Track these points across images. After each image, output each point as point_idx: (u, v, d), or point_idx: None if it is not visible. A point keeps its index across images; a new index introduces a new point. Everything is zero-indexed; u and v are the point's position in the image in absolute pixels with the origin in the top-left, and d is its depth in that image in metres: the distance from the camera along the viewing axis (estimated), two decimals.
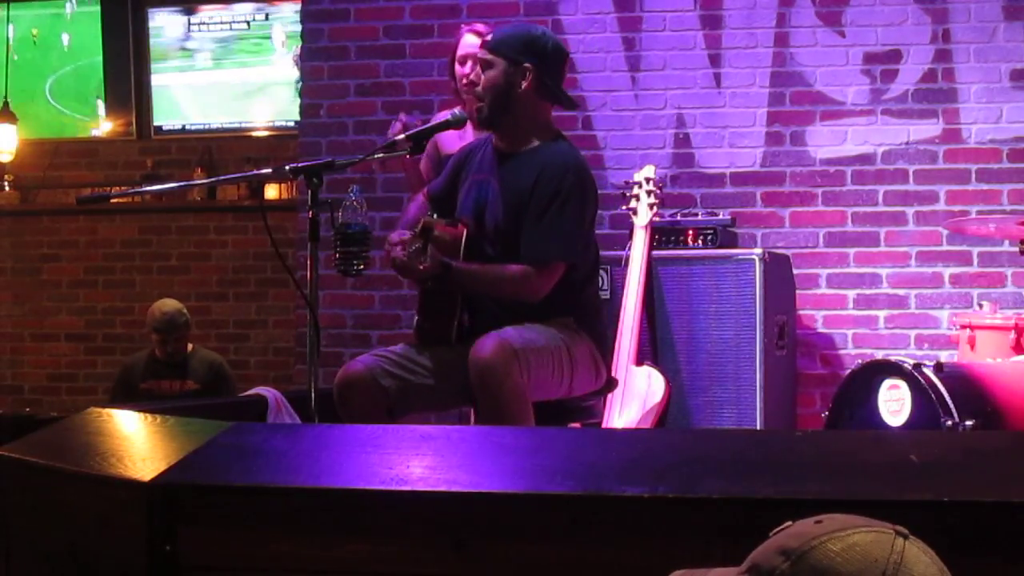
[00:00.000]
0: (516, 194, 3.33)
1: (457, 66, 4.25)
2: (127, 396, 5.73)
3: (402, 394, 3.29)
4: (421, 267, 3.23)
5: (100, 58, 6.99)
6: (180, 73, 6.98)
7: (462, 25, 4.50)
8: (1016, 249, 4.37)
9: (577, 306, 3.38)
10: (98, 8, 6.99)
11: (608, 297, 4.73)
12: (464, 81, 4.09)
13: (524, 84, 3.34)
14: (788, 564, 1.15)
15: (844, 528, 1.17)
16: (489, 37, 3.51)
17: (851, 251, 5.25)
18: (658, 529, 1.95)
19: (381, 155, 3.75)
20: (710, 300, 4.74)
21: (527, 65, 3.34)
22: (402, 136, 3.44)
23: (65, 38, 7.09)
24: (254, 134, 6.94)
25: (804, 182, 5.30)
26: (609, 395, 4.11)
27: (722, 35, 5.38)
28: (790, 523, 1.20)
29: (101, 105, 7.07)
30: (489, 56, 3.38)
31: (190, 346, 5.93)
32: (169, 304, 5.89)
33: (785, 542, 1.17)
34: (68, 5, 7.07)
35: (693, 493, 1.98)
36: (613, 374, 3.61)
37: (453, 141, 4.12)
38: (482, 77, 3.39)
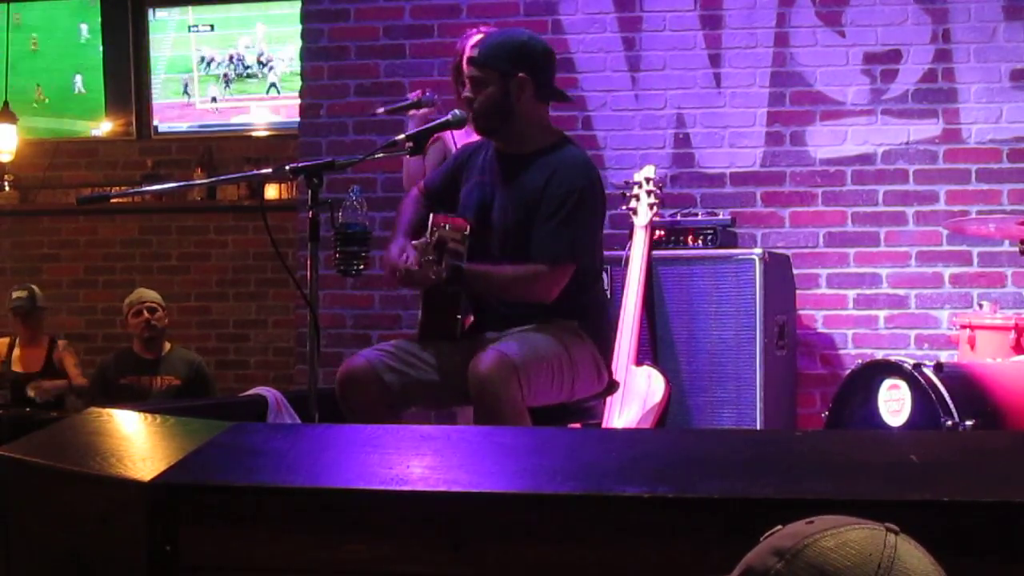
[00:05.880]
0: (525, 194, 3.30)
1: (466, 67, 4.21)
2: (104, 392, 5.73)
3: (404, 389, 3.27)
4: (433, 276, 3.18)
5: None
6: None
7: (468, 28, 4.44)
8: (1016, 249, 4.37)
9: (582, 309, 3.36)
10: (98, 8, 7.00)
11: (608, 297, 4.72)
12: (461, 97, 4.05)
13: (521, 94, 3.31)
14: (783, 563, 1.17)
15: (836, 526, 1.19)
16: (475, 53, 3.40)
17: (851, 251, 5.25)
18: (658, 529, 1.95)
19: (381, 155, 3.74)
20: (710, 300, 4.74)
21: (521, 76, 3.30)
22: (402, 136, 3.44)
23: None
24: (254, 134, 6.94)
25: (804, 182, 5.30)
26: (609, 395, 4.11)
27: (722, 35, 5.38)
28: (780, 527, 1.22)
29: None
30: (481, 72, 3.33)
31: (168, 345, 5.93)
32: (138, 289, 6.04)
33: (778, 543, 1.19)
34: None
35: (693, 493, 1.98)
36: (614, 376, 3.61)
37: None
38: (477, 94, 3.33)
